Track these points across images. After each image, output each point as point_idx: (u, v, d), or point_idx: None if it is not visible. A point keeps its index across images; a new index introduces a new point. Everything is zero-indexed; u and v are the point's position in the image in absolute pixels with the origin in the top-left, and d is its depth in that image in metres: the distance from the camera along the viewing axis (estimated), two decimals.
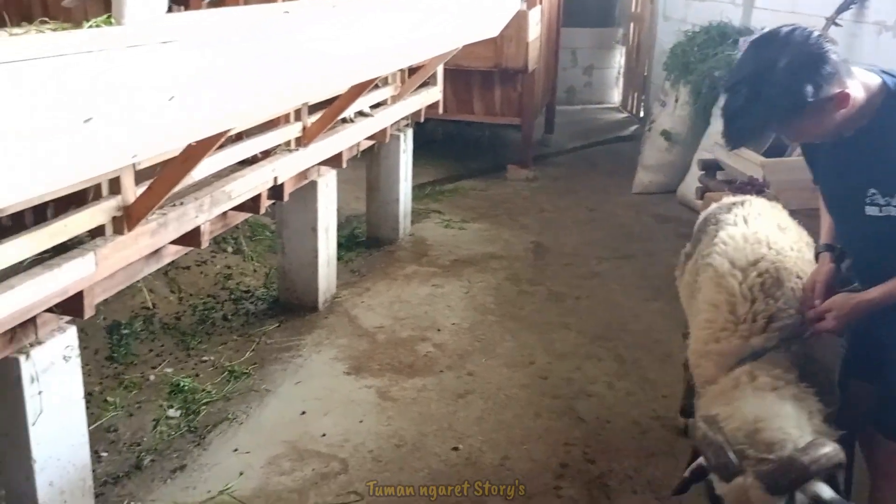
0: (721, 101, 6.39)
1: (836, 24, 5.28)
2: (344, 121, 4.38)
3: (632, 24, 10.00)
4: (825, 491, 1.91)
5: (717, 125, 6.32)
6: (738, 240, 2.54)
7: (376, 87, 4.82)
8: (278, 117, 3.68)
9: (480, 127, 8.16)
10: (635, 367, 3.92)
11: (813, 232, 2.65)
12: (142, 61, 1.78)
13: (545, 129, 8.86)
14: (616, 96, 10.81)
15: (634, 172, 7.19)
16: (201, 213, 3.05)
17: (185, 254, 4.80)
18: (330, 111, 3.81)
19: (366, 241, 5.63)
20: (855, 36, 5.29)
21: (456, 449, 3.25)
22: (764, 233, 2.57)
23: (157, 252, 3.06)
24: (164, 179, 2.63)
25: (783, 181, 5.00)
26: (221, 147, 3.19)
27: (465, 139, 8.37)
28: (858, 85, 2.02)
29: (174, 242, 3.05)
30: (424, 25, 3.82)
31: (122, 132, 1.85)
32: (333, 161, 4.31)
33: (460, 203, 6.64)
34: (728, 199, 3.12)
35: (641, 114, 9.42)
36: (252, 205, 3.58)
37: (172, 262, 4.68)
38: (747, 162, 5.34)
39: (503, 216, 6.34)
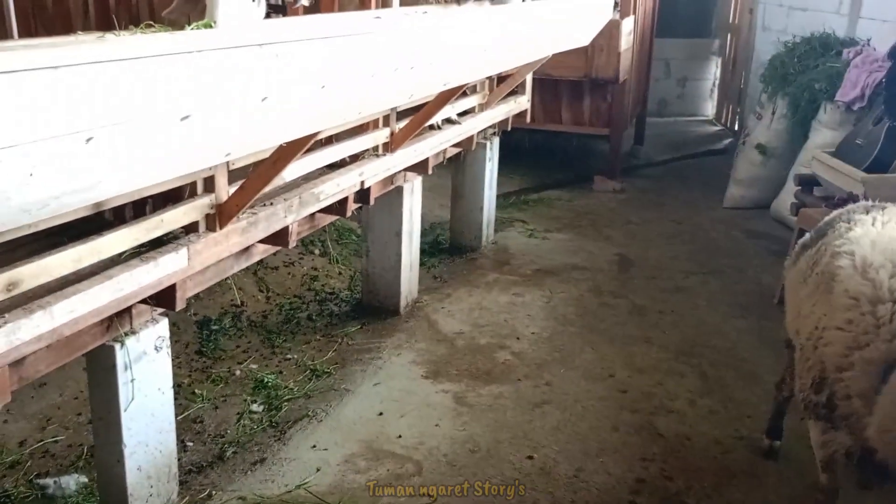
0: (822, 113, 6.17)
1: None
2: (431, 128, 4.44)
3: (728, 35, 9.74)
4: None
5: (816, 139, 6.10)
6: (880, 239, 2.44)
7: (464, 94, 4.87)
8: (367, 123, 3.77)
9: (568, 137, 8.10)
10: (719, 384, 3.80)
11: None
12: (235, 63, 1.85)
13: (635, 140, 8.72)
14: (710, 109, 10.55)
15: (726, 187, 7.00)
16: (290, 214, 3.15)
17: (274, 254, 4.97)
18: (417, 118, 3.86)
19: (449, 247, 5.67)
20: None
21: (531, 458, 3.23)
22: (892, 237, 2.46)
23: (246, 250, 3.16)
24: (256, 179, 2.73)
25: (886, 198, 4.77)
26: (311, 150, 3.30)
27: (552, 149, 8.32)
28: None
29: (262, 241, 3.15)
30: (515, 32, 3.83)
31: (217, 130, 1.93)
32: (419, 167, 4.37)
33: (545, 213, 6.61)
34: (862, 203, 2.99)
35: (736, 127, 9.16)
36: (339, 207, 3.66)
37: (261, 262, 4.87)
38: (847, 178, 5.13)
39: (588, 227, 6.27)
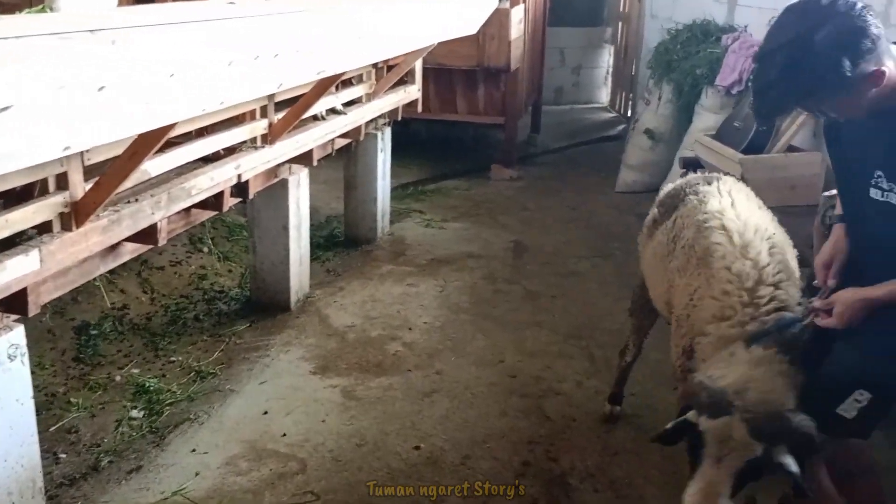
0: (703, 98, 6.37)
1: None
2: (315, 118, 4.35)
3: (620, 23, 9.97)
4: (792, 465, 1.97)
5: (698, 122, 6.29)
6: (740, 211, 2.51)
7: (349, 84, 4.80)
8: (244, 114, 3.65)
9: (465, 127, 8.14)
10: (606, 365, 3.87)
11: (789, 229, 2.60)
12: (64, 50, 1.74)
13: (531, 128, 8.82)
14: (605, 96, 10.78)
15: (619, 172, 7.16)
16: (157, 210, 3.01)
17: (160, 254, 4.82)
18: (295, 108, 3.77)
19: (344, 240, 5.60)
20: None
21: (418, 448, 3.21)
22: (749, 209, 2.56)
23: (113, 249, 3.02)
24: (112, 174, 2.60)
25: (761, 179, 4.97)
26: (180, 144, 3.18)
27: (449, 139, 8.34)
28: (893, 63, 1.96)
29: (130, 240, 3.01)
30: (391, 19, 3.79)
31: (48, 122, 1.82)
32: (304, 159, 4.27)
33: (442, 203, 6.61)
34: (699, 174, 3.08)
35: (629, 113, 9.39)
36: (215, 203, 3.54)
37: (145, 262, 4.69)
38: (726, 159, 5.31)
39: (484, 216, 6.31)
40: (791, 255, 2.48)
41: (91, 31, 1.82)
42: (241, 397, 3.56)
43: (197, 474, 3.00)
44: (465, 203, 6.62)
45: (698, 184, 2.81)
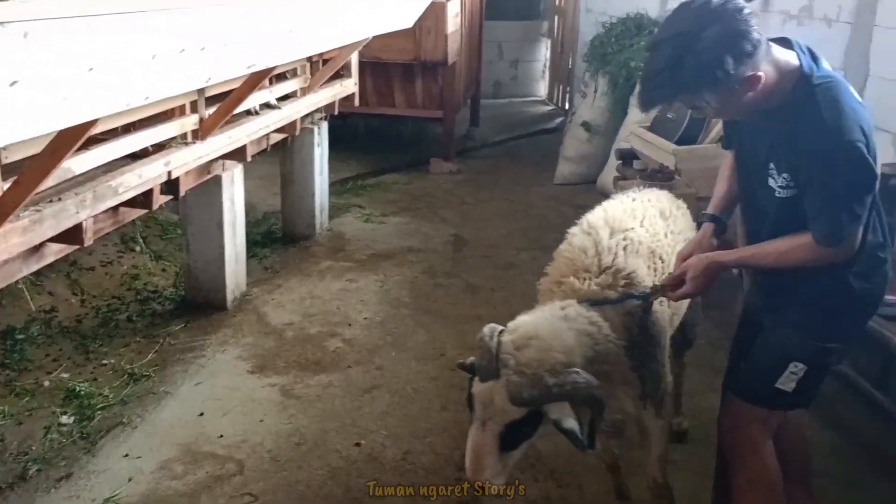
0: (637, 90, 6.49)
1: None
2: (248, 113, 4.27)
3: (556, 17, 10.05)
4: (567, 421, 2.02)
5: (633, 115, 6.38)
6: (616, 209, 2.61)
7: (284, 78, 4.72)
8: (173, 109, 3.56)
9: (404, 121, 8.11)
10: None
11: None
12: None
13: (470, 122, 8.85)
14: (542, 89, 10.87)
15: (557, 164, 7.22)
16: (82, 209, 2.91)
17: (90, 254, 4.67)
18: (226, 103, 3.69)
19: (282, 237, 5.52)
20: (762, 25, 5.38)
21: (358, 445, 3.18)
22: (642, 212, 2.60)
23: (36, 251, 2.91)
24: (32, 173, 2.50)
25: (694, 169, 5.07)
26: (106, 140, 3.08)
27: (388, 133, 8.30)
28: (773, 66, 2.01)
29: (54, 240, 2.90)
30: (323, 12, 3.74)
31: None
32: (237, 155, 4.19)
33: (381, 197, 6.57)
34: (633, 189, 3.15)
35: (566, 106, 9.48)
36: (144, 201, 3.44)
37: (75, 262, 4.55)
38: (660, 150, 5.40)
39: (424, 210, 6.29)
40: (671, 251, 2.56)
41: (1, 23, 1.74)
42: (176, 399, 3.47)
43: (130, 480, 2.92)
44: (404, 197, 6.59)
45: (614, 195, 2.88)
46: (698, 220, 2.50)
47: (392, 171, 7.28)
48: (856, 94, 2.08)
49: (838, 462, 3.13)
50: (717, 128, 5.40)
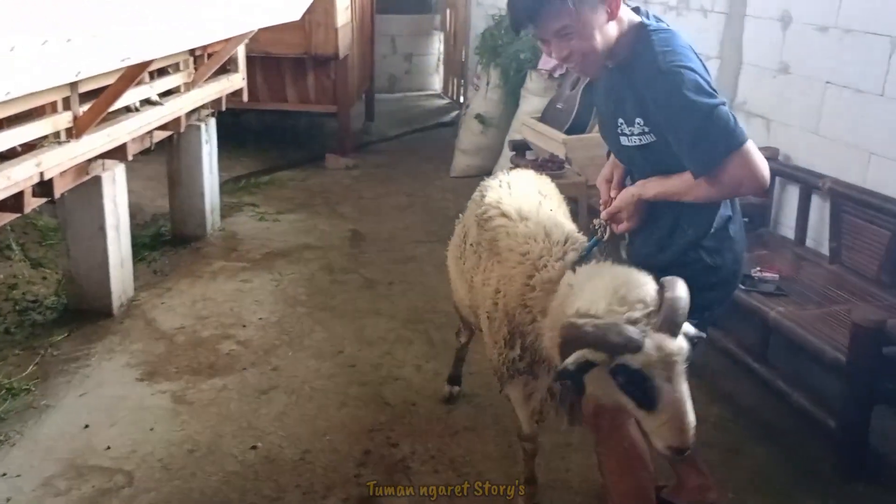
0: (528, 81, 6.56)
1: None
2: (129, 110, 4.09)
3: (448, 10, 10.09)
4: (691, 329, 1.98)
5: (525, 106, 6.48)
6: (515, 195, 2.62)
7: (166, 73, 4.55)
8: (44, 106, 3.37)
9: (297, 116, 7.99)
10: (444, 347, 3.90)
11: None
12: None
13: (365, 116, 8.79)
14: (437, 83, 10.90)
15: (453, 157, 7.26)
16: None
17: None
18: (102, 99, 3.52)
19: (171, 239, 5.32)
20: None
21: (255, 448, 3.10)
22: (525, 191, 2.66)
23: None
24: None
25: (583, 157, 5.20)
26: None
27: (282, 129, 8.16)
28: (625, 14, 2.10)
29: None
30: (209, 4, 3.62)
31: None
32: (118, 154, 4.01)
33: (276, 194, 6.44)
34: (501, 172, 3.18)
35: (461, 99, 9.54)
36: (14, 204, 3.24)
37: None
38: (551, 140, 5.50)
39: (320, 206, 6.21)
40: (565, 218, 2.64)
41: None
42: (59, 412, 3.29)
43: (8, 500, 2.74)
44: (300, 194, 6.49)
45: (487, 184, 2.87)
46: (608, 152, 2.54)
47: (287, 168, 7.14)
48: (690, 45, 2.17)
49: (723, 433, 3.28)
50: None
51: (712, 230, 2.24)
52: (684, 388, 1.94)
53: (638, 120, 2.15)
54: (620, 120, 2.19)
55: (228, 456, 3.05)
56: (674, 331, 1.91)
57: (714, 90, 2.06)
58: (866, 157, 3.69)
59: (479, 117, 7.01)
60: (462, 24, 9.42)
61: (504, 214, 2.52)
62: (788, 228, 4.16)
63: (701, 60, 2.14)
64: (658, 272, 2.17)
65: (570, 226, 2.54)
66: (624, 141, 2.21)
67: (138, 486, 2.85)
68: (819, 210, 3.96)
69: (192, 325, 4.10)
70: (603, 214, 2.39)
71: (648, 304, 1.96)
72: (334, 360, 3.81)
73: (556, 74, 6.25)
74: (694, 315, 2.22)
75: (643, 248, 2.35)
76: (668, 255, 2.27)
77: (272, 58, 6.81)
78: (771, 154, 4.15)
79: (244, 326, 4.11)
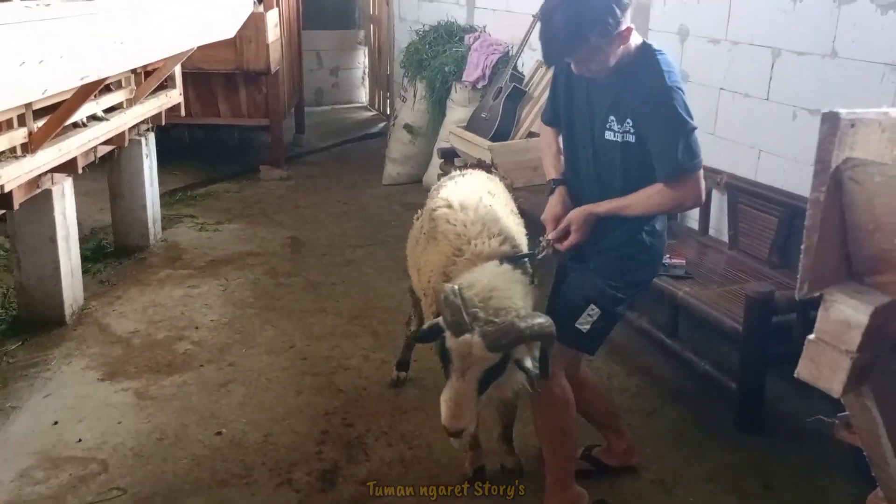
0: (453, 93, 6.93)
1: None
2: (76, 125, 4.26)
3: (371, 26, 10.42)
4: (527, 360, 2.36)
5: (451, 115, 6.86)
6: (462, 191, 2.92)
7: (109, 90, 4.73)
8: (0, 123, 3.54)
9: (229, 130, 8.17)
10: (389, 339, 4.22)
11: (536, 205, 3.05)
12: None
13: (296, 129, 9.01)
14: (363, 95, 11.21)
15: (384, 166, 7.57)
16: None
17: None
18: (57, 115, 3.70)
19: (114, 251, 5.46)
20: None
21: (219, 433, 3.34)
22: (476, 187, 2.98)
23: None
24: None
25: (508, 162, 5.60)
26: None
27: (214, 143, 8.32)
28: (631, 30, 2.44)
29: None
30: (155, 26, 3.84)
31: None
32: (68, 167, 4.17)
33: (214, 206, 6.63)
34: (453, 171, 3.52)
35: (388, 111, 9.87)
36: None
37: None
38: (477, 147, 5.89)
39: (258, 215, 6.43)
40: (509, 218, 2.92)
41: None
42: (25, 412, 3.46)
43: None
44: (237, 205, 6.69)
45: (441, 181, 3.20)
46: (549, 188, 2.83)
47: (222, 181, 7.33)
48: None
49: (641, 399, 3.70)
50: (526, 124, 5.97)
51: (653, 217, 2.63)
52: (464, 387, 2.31)
53: (628, 120, 2.49)
54: (612, 117, 2.51)
55: (195, 442, 3.28)
56: (491, 345, 2.27)
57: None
58: (756, 153, 4.19)
59: (408, 127, 7.36)
60: (385, 38, 9.76)
61: (449, 205, 2.84)
62: (693, 220, 4.64)
63: None
64: (597, 255, 2.54)
65: (513, 226, 2.82)
66: (609, 136, 2.53)
67: (113, 473, 3.06)
68: (719, 203, 4.45)
69: (146, 329, 4.29)
70: (551, 234, 2.69)
71: (496, 315, 2.32)
72: (286, 354, 4.07)
73: (480, 86, 6.65)
74: (622, 291, 2.63)
75: (601, 231, 2.65)
76: (620, 233, 2.62)
77: (204, 73, 6.99)
78: None
79: (197, 328, 4.33)
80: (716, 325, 3.55)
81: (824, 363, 1.04)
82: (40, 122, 3.74)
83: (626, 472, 3.14)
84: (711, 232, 4.51)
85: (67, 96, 3.71)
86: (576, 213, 2.65)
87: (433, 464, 3.18)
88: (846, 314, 1.02)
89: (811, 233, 1.00)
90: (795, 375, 1.13)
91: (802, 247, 1.03)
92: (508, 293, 2.40)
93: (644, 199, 2.52)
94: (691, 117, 2.44)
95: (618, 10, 2.34)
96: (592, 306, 2.60)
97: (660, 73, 2.44)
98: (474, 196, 2.85)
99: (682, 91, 2.45)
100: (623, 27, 2.38)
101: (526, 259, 2.68)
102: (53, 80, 2.99)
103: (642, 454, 3.22)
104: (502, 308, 2.34)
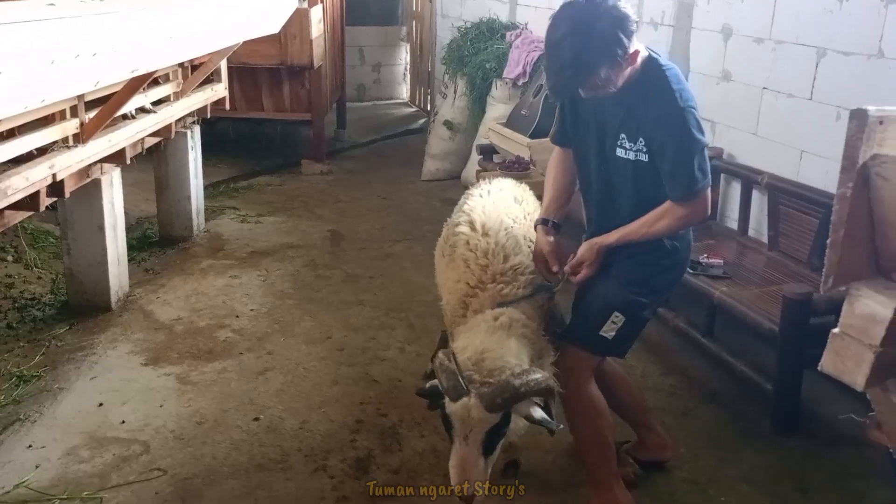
0: (494, 90, 6.95)
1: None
2: (125, 117, 4.39)
3: (414, 22, 10.49)
4: (536, 412, 2.36)
5: (491, 112, 6.88)
6: (479, 211, 2.93)
7: (157, 83, 4.85)
8: (54, 114, 3.66)
9: (273, 124, 8.29)
10: (425, 332, 4.26)
11: (574, 202, 3.03)
12: None
13: (337, 124, 9.11)
14: (404, 92, 11.28)
15: (423, 162, 7.63)
16: None
17: None
18: (107, 107, 3.82)
19: (159, 240, 5.60)
20: None
21: (257, 419, 3.43)
22: (502, 203, 2.99)
23: None
24: None
25: (546, 159, 5.58)
26: None
27: (257, 137, 8.45)
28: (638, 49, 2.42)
29: None
30: (199, 20, 3.94)
31: None
32: (116, 158, 4.30)
33: (256, 199, 6.75)
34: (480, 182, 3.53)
35: (428, 107, 9.92)
36: (31, 202, 3.53)
37: None
38: (516, 144, 5.91)
39: (299, 208, 6.53)
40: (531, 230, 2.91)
41: None
42: (73, 394, 3.58)
43: (37, 467, 3.03)
44: (279, 198, 6.80)
45: (472, 190, 3.19)
46: (534, 224, 2.83)
47: (264, 174, 7.46)
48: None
49: (677, 399, 3.69)
50: None
51: None
52: (468, 450, 2.34)
53: (641, 139, 2.48)
54: (623, 135, 2.50)
55: (234, 427, 3.37)
56: (489, 406, 2.28)
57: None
58: (798, 154, 4.15)
59: (448, 123, 7.40)
60: (427, 35, 9.81)
61: (471, 222, 2.85)
62: (733, 220, 4.60)
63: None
64: (618, 262, 2.56)
65: (517, 254, 2.77)
66: (620, 153, 2.52)
67: (155, 454, 3.16)
68: (759, 203, 4.41)
69: (189, 317, 4.40)
70: (566, 268, 2.67)
71: (490, 376, 2.33)
72: (324, 344, 4.14)
73: (520, 83, 6.66)
74: (646, 296, 2.63)
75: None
76: (629, 245, 2.59)
77: (249, 68, 7.12)
78: (716, 153, 4.60)
79: (237, 317, 4.43)
80: (753, 326, 3.52)
81: (848, 356, 1.05)
82: (91, 114, 3.86)
83: (659, 471, 3.14)
84: (751, 233, 4.47)
85: (118, 89, 3.82)
86: (586, 248, 2.65)
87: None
88: (871, 308, 1.03)
89: (837, 228, 1.02)
90: (819, 368, 1.14)
91: (829, 241, 1.05)
92: (500, 352, 2.40)
93: (653, 222, 2.52)
94: (703, 134, 2.44)
95: (625, 40, 2.31)
96: (616, 313, 2.60)
97: (671, 92, 2.42)
98: (496, 219, 2.85)
99: (694, 110, 2.43)
100: (632, 50, 2.36)
101: (533, 296, 2.68)
102: (106, 73, 3.09)
103: (676, 451, 3.21)
104: (496, 368, 2.34)
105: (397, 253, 5.58)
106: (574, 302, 2.87)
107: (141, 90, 4.44)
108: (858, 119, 1.01)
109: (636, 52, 2.39)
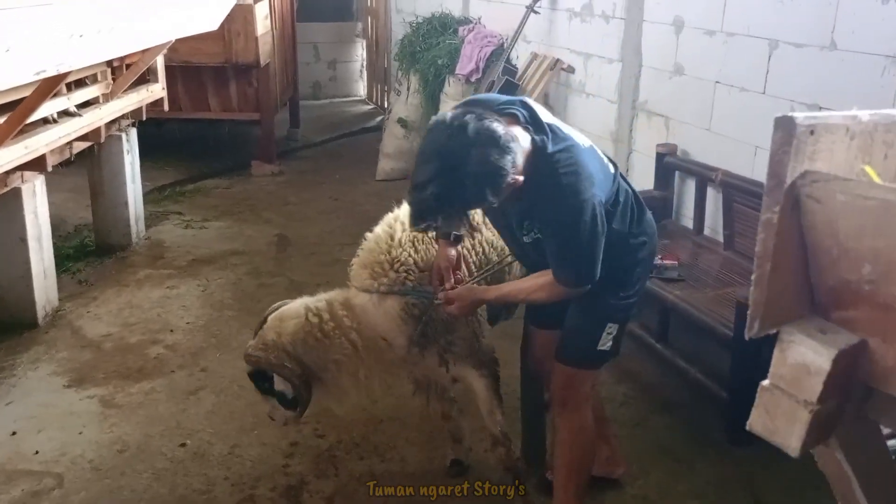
0: (447, 86, 6.72)
1: (535, 12, 5.79)
2: (46, 121, 4.12)
3: (369, 18, 10.25)
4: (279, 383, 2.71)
5: (444, 109, 6.68)
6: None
7: (84, 84, 4.58)
8: None
9: (220, 125, 8.03)
10: None
11: None
12: None
13: (290, 123, 8.86)
14: (361, 89, 11.04)
15: (377, 161, 7.41)
16: None
17: None
18: (18, 111, 3.55)
19: (95, 249, 5.33)
20: (552, 21, 5.83)
21: (184, 445, 3.20)
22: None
23: None
24: None
25: None
26: None
27: (205, 138, 8.19)
28: (521, 155, 2.18)
29: None
30: (122, 17, 3.69)
31: None
32: (37, 165, 4.04)
33: (202, 203, 6.49)
34: None
35: (385, 104, 9.70)
36: None
37: None
38: None
39: (246, 212, 6.28)
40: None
41: None
42: None
43: None
44: (226, 201, 6.54)
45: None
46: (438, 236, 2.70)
47: (212, 176, 7.19)
48: (596, 152, 2.38)
49: (628, 408, 3.53)
50: None
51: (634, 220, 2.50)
52: None
53: (537, 226, 2.34)
54: (526, 222, 2.36)
55: (158, 454, 3.14)
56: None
57: (604, 220, 2.27)
58: (752, 150, 4.00)
59: (402, 121, 7.19)
60: (383, 31, 9.59)
61: (395, 217, 2.96)
62: (688, 219, 4.45)
63: (599, 156, 2.39)
64: (610, 268, 2.40)
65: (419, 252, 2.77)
66: (525, 239, 2.41)
67: (69, 488, 2.93)
68: (714, 201, 4.26)
69: (120, 332, 4.15)
70: (441, 295, 2.57)
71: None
72: None
73: (473, 79, 6.47)
74: (634, 295, 2.52)
75: None
76: (614, 253, 2.41)
77: (192, 67, 6.85)
78: (670, 150, 4.45)
79: (171, 331, 4.19)
80: (708, 330, 3.38)
81: (779, 414, 0.88)
82: (2, 119, 3.60)
83: (609, 486, 2.98)
84: (707, 231, 4.33)
85: (27, 92, 3.55)
86: (465, 292, 2.56)
87: (406, 478, 3.03)
88: (805, 357, 0.86)
89: (762, 261, 0.84)
90: (748, 428, 0.97)
91: (753, 277, 0.87)
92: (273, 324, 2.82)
93: (532, 291, 2.45)
94: (603, 220, 2.26)
95: (490, 194, 2.12)
96: (610, 325, 2.51)
97: (561, 189, 2.21)
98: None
99: (588, 202, 2.22)
100: (509, 181, 2.13)
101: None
102: (4, 76, 2.84)
103: (627, 469, 3.05)
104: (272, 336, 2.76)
105: (346, 258, 5.26)
106: (566, 318, 2.66)
107: (62, 92, 4.19)
108: (784, 128, 0.83)
109: (516, 182, 2.17)
